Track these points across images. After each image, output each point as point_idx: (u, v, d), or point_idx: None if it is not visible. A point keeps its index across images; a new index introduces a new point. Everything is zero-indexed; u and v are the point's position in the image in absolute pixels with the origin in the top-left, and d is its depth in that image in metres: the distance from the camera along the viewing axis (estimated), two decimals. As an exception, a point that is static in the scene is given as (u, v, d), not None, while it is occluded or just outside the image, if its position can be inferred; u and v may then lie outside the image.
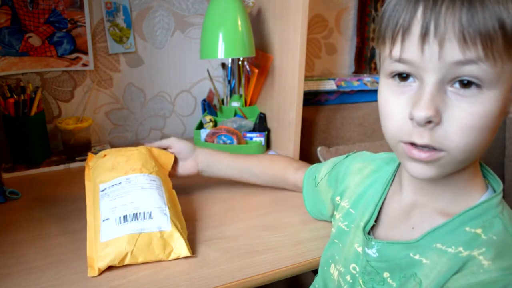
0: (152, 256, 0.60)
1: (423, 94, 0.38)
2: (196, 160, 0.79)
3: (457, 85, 0.38)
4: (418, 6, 0.37)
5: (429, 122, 0.38)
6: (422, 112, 0.37)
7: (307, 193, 0.73)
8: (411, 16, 0.38)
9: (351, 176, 0.60)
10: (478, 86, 0.37)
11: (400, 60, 0.40)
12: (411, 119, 0.39)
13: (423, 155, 0.40)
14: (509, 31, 0.36)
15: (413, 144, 0.40)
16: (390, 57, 0.41)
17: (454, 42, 0.36)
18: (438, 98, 0.38)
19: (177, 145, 0.79)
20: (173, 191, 0.73)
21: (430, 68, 0.38)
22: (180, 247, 0.61)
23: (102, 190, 0.67)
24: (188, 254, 0.61)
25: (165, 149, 0.80)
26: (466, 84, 0.37)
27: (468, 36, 0.35)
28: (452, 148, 0.39)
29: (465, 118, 0.37)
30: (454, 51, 0.36)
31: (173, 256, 0.61)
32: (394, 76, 0.42)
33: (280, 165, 0.82)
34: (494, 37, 0.35)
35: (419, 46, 0.37)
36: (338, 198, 0.61)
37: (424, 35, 0.37)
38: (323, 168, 0.69)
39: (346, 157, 0.65)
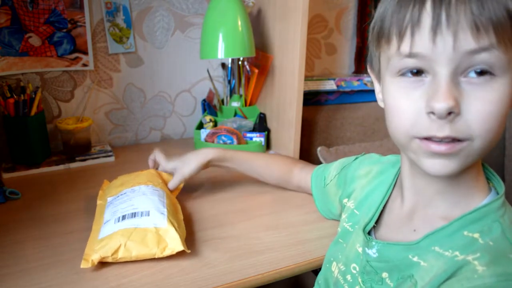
0: (146, 251, 0.59)
1: (440, 86, 0.38)
2: (207, 166, 0.81)
3: (471, 74, 0.38)
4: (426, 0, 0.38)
5: (450, 113, 0.37)
6: (443, 103, 0.37)
7: (317, 192, 0.74)
8: (420, 10, 0.38)
9: (358, 180, 0.61)
10: (491, 73, 0.37)
11: (410, 55, 0.39)
12: (429, 113, 0.39)
13: (443, 147, 0.39)
14: None
15: (429, 139, 0.40)
16: (399, 53, 0.40)
17: (467, 32, 0.36)
18: (454, 89, 0.38)
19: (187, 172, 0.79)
20: (178, 204, 0.74)
21: (443, 60, 0.38)
22: (174, 243, 0.60)
23: (109, 202, 0.70)
24: (182, 248, 0.59)
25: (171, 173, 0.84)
26: (480, 72, 0.37)
27: (480, 24, 0.36)
28: (476, 136, 0.38)
29: (485, 106, 0.38)
30: (467, 41, 0.36)
31: (167, 252, 0.59)
32: (404, 73, 0.41)
33: (285, 166, 0.83)
34: (504, 24, 0.36)
35: (430, 39, 0.37)
36: (345, 200, 0.62)
37: (435, 27, 0.37)
38: (332, 169, 0.70)
39: (355, 159, 0.66)
